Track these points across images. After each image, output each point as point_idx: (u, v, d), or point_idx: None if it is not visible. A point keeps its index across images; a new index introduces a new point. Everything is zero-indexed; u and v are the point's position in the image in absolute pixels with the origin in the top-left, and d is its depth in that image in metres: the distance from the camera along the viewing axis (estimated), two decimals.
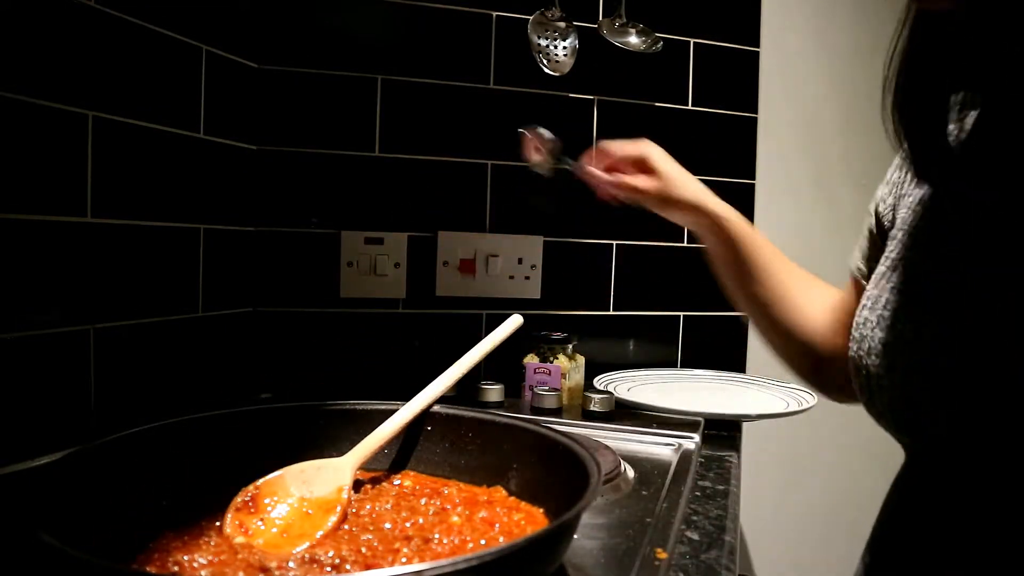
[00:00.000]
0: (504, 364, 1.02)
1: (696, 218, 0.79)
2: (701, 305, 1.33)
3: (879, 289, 0.57)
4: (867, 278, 0.66)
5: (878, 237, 0.65)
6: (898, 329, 0.53)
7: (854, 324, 0.58)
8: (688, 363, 1.32)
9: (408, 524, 0.53)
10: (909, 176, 0.61)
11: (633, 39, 1.21)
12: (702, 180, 0.80)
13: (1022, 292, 0.47)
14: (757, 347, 1.37)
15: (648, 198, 0.79)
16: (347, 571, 0.46)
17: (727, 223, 0.77)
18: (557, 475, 0.56)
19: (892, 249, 0.59)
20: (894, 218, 0.62)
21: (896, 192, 0.63)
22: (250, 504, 0.54)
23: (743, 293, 0.79)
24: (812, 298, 0.77)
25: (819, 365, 0.76)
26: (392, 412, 0.64)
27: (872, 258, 0.66)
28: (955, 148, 0.55)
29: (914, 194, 0.59)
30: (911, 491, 0.58)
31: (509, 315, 0.72)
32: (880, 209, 0.65)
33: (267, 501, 0.55)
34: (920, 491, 0.57)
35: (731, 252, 0.78)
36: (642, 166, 0.79)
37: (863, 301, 0.58)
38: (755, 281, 0.77)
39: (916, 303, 0.53)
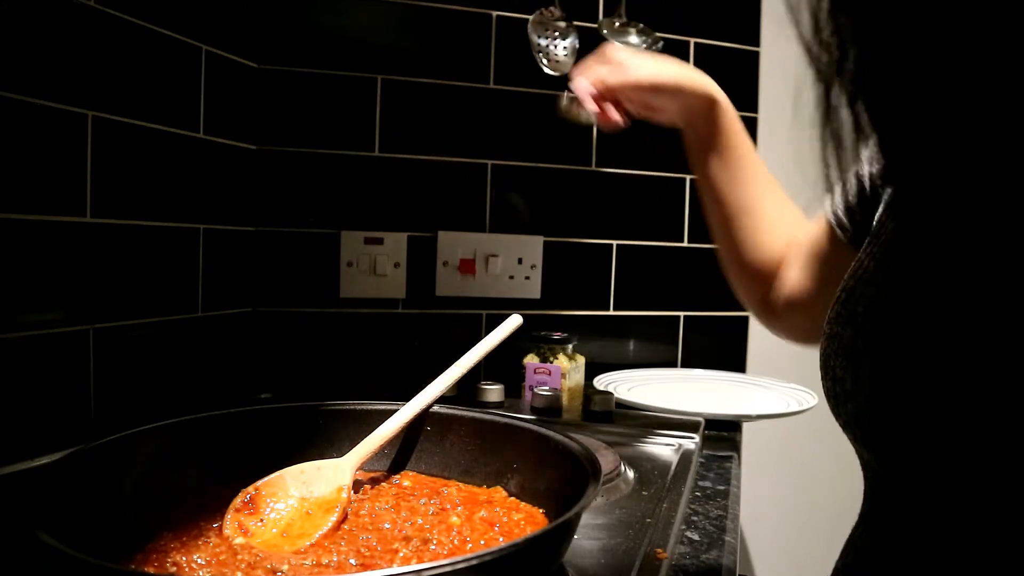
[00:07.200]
0: (504, 364, 1.02)
1: (698, 102, 0.73)
2: (701, 305, 1.33)
3: (855, 280, 0.49)
4: (846, 230, 0.62)
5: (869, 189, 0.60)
6: (868, 327, 0.45)
7: (826, 320, 0.49)
8: (688, 363, 1.32)
9: (407, 524, 0.53)
10: None
11: (633, 39, 1.20)
12: None
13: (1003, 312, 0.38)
14: (757, 347, 1.37)
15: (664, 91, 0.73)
16: (347, 571, 0.46)
17: (724, 107, 0.73)
18: (557, 475, 0.56)
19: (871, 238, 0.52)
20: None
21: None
22: (250, 505, 0.54)
23: (719, 194, 0.75)
24: (780, 218, 0.74)
25: (767, 296, 0.72)
26: (392, 412, 0.64)
27: (857, 208, 0.61)
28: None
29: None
30: (873, 530, 0.49)
31: (509, 315, 0.72)
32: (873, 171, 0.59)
33: (267, 502, 0.55)
34: (880, 531, 0.48)
35: (720, 143, 0.74)
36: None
37: (838, 294, 0.50)
38: (734, 179, 0.74)
39: (890, 299, 0.45)
